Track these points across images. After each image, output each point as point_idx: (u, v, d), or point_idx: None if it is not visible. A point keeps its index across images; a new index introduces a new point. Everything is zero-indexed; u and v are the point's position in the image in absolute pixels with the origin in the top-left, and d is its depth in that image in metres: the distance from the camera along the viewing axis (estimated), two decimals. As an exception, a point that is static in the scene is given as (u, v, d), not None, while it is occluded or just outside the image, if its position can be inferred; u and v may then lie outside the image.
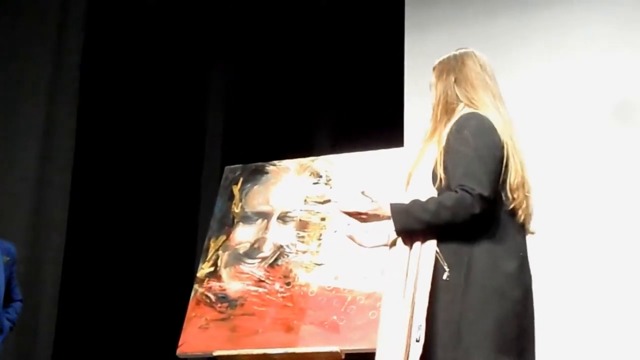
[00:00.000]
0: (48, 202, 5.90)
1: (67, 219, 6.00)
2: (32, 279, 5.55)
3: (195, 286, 3.98)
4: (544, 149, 4.57)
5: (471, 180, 2.34)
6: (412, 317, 2.31)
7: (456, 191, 2.35)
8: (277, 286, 3.80)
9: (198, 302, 3.91)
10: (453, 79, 2.57)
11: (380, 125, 5.90)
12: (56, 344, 5.79)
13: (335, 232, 3.85)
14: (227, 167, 4.44)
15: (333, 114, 7.58)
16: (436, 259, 2.35)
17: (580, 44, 4.86)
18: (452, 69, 2.59)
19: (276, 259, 3.90)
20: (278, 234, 3.99)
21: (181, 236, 7.15)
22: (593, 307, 4.42)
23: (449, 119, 2.52)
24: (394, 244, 2.47)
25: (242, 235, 4.07)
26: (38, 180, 5.88)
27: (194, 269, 4.27)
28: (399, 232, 2.42)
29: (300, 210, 4.02)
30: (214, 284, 3.94)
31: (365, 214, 2.50)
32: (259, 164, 4.34)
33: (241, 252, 4.00)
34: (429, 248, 2.37)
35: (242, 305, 3.80)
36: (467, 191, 2.32)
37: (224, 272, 3.96)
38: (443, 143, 2.46)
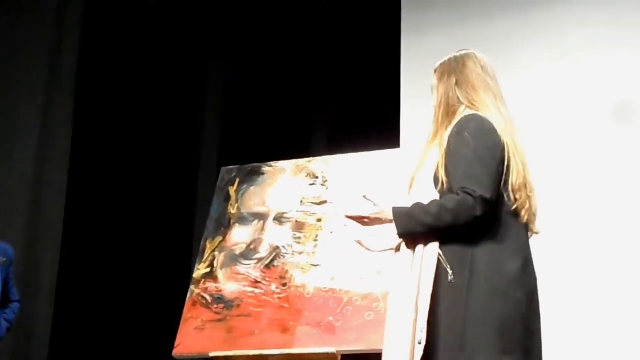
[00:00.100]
0: (45, 203, 5.90)
1: (64, 219, 5.99)
2: (28, 279, 5.55)
3: (192, 287, 3.97)
4: (544, 149, 4.57)
5: (472, 182, 2.34)
6: (416, 319, 2.31)
7: (458, 193, 2.34)
8: (273, 287, 3.79)
9: (194, 303, 3.90)
10: (454, 81, 2.57)
11: (377, 127, 5.91)
12: (52, 345, 5.78)
13: (331, 233, 3.85)
14: (223, 168, 4.44)
15: (330, 115, 7.59)
16: (439, 262, 2.35)
17: (580, 44, 4.86)
18: (453, 70, 2.59)
19: (272, 260, 3.90)
20: (274, 235, 3.98)
21: (177, 237, 7.15)
22: (593, 308, 4.42)
23: (450, 121, 2.51)
24: (398, 248, 2.47)
25: (239, 236, 4.07)
26: (35, 181, 5.88)
27: (190, 270, 4.26)
28: (402, 236, 2.42)
29: (297, 211, 4.02)
30: (210, 285, 3.93)
31: (368, 217, 2.50)
32: (255, 165, 4.33)
33: (237, 253, 4.00)
34: (432, 251, 2.37)
35: (238, 306, 3.79)
36: (468, 193, 2.32)
37: (220, 273, 3.96)
38: (444, 145, 2.45)
